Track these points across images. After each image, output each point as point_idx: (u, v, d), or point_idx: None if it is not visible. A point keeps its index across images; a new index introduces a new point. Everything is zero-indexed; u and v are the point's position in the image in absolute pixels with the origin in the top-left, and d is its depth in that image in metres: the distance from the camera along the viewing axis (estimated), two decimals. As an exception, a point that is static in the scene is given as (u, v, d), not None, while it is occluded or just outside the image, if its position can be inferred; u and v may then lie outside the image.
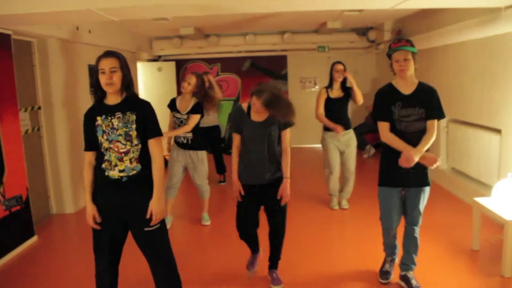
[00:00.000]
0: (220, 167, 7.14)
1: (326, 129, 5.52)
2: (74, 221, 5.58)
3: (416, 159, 3.16)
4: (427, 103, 3.26)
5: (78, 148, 5.89)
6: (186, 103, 4.93)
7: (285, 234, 3.66)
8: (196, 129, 4.91)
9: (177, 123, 4.97)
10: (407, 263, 3.51)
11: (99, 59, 2.70)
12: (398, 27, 7.95)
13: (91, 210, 2.82)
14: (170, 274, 3.02)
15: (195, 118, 4.86)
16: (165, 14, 3.94)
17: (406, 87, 3.30)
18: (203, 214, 5.28)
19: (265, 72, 10.26)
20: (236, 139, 3.55)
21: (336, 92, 5.49)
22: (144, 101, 2.90)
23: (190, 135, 4.89)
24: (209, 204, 5.30)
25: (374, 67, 10.06)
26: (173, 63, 9.67)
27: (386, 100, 3.34)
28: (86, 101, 6.25)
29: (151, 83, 9.45)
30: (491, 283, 3.61)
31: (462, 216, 5.07)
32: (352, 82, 5.40)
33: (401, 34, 7.78)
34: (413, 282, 3.42)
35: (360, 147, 7.83)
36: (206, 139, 5.97)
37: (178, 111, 4.94)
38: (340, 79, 5.46)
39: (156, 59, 9.68)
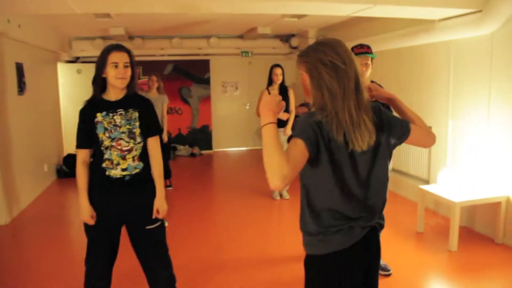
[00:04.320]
0: (166, 172, 6.99)
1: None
2: (9, 233, 5.08)
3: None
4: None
5: (8, 152, 5.46)
6: None
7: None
8: None
9: None
10: None
11: (108, 51, 2.55)
12: (321, 34, 8.42)
13: (89, 210, 2.66)
14: (166, 273, 2.96)
15: None
16: (144, 10, 3.79)
17: None
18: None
19: (188, 75, 10.18)
20: None
21: (275, 92, 5.79)
22: (146, 98, 2.82)
23: None
24: None
25: (294, 73, 10.47)
26: (93, 65, 9.12)
27: None
28: (15, 102, 5.78)
29: (70, 86, 8.87)
30: (441, 257, 4.15)
31: (404, 207, 5.58)
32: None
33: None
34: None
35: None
36: None
37: None
38: (279, 81, 5.80)
39: (74, 60, 9.13)
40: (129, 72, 2.58)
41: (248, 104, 10.73)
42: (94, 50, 8.62)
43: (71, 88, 8.89)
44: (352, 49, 3.52)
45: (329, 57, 1.65)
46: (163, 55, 9.38)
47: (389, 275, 3.70)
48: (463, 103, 4.90)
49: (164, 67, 9.90)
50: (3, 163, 5.30)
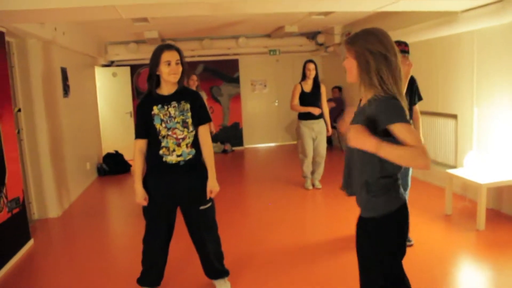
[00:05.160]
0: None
1: (301, 117, 6.04)
2: (61, 224, 5.49)
3: None
4: (411, 91, 3.87)
5: (60, 150, 5.89)
6: None
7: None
8: None
9: None
10: None
11: (161, 50, 2.86)
12: (347, 30, 8.63)
13: (142, 193, 3.00)
14: (218, 249, 3.28)
15: None
16: (184, 12, 4.12)
17: None
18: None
19: (218, 75, 10.54)
20: None
21: (309, 87, 6.04)
22: (195, 91, 3.15)
23: None
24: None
25: (320, 69, 10.69)
26: (127, 68, 9.64)
27: None
28: (62, 104, 6.21)
29: (106, 89, 9.35)
30: (469, 236, 4.37)
31: (433, 192, 5.77)
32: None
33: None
34: None
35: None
36: None
37: None
38: (312, 76, 6.03)
39: (109, 64, 9.59)
40: (180, 68, 2.91)
41: (276, 101, 11.02)
42: (128, 53, 9.07)
43: (107, 90, 9.38)
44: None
45: (376, 47, 1.89)
46: (193, 56, 9.73)
47: (410, 245, 4.00)
48: (488, 90, 5.06)
49: (195, 68, 10.26)
50: (55, 160, 5.73)
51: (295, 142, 10.54)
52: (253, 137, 11.02)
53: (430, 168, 1.80)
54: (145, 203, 3.02)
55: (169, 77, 2.88)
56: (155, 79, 2.94)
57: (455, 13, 5.20)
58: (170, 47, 2.88)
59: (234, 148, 10.66)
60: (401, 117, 1.83)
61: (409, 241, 4.02)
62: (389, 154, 1.80)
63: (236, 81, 10.69)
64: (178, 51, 2.91)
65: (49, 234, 5.22)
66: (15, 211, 4.44)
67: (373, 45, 1.90)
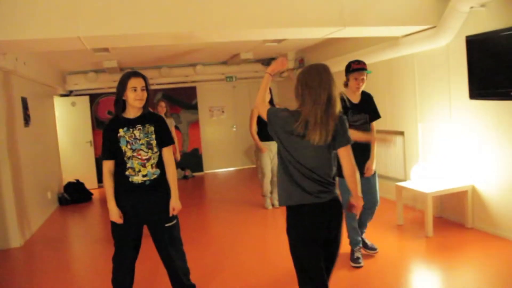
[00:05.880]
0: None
1: (260, 139, 6.31)
2: (23, 255, 5.45)
3: (374, 166, 4.15)
4: (370, 108, 4.17)
5: (20, 180, 5.90)
6: None
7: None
8: None
9: None
10: (361, 229, 4.35)
11: (128, 77, 3.08)
12: (300, 56, 9.09)
13: (117, 212, 3.15)
14: (183, 264, 3.44)
15: None
16: (146, 42, 4.35)
17: (355, 97, 4.15)
18: None
19: (176, 102, 10.74)
20: None
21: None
22: (158, 114, 3.36)
23: None
24: None
25: (275, 93, 11.11)
26: (86, 98, 9.69)
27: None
28: (23, 134, 6.24)
29: (66, 118, 9.37)
30: (419, 242, 4.74)
31: (385, 206, 6.09)
32: None
33: (303, 63, 8.93)
34: (367, 241, 4.42)
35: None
36: None
37: None
38: (268, 99, 6.33)
39: (68, 94, 9.63)
40: (145, 94, 3.12)
41: (234, 126, 11.31)
42: (86, 83, 9.17)
43: (66, 120, 9.40)
44: (350, 64, 4.06)
45: (309, 79, 2.44)
46: (152, 84, 9.87)
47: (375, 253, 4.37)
48: (429, 107, 5.54)
49: (154, 95, 10.42)
50: (16, 190, 5.72)
51: (253, 166, 10.83)
52: (212, 162, 11.22)
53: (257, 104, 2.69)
54: (121, 221, 3.15)
55: (135, 102, 3.08)
56: (121, 104, 3.13)
57: (396, 38, 5.70)
58: (136, 74, 3.10)
59: (195, 174, 10.81)
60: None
61: (374, 249, 4.37)
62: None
63: (194, 107, 10.93)
64: (144, 78, 3.14)
65: (12, 264, 5.18)
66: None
67: (307, 77, 2.49)
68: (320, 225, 2.46)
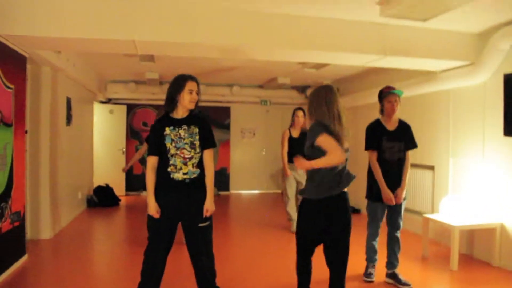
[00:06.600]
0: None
1: (289, 160, 6.37)
2: (52, 246, 5.65)
3: (403, 195, 4.17)
4: (406, 137, 4.25)
5: (56, 175, 6.13)
6: None
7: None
8: None
9: None
10: (393, 262, 4.31)
11: (186, 79, 3.28)
12: (335, 86, 9.22)
13: (155, 206, 3.29)
14: (212, 265, 3.52)
15: None
16: (195, 53, 4.57)
17: (391, 125, 4.25)
18: None
19: (210, 121, 10.94)
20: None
21: (297, 133, 6.50)
22: (204, 117, 3.50)
23: None
24: None
25: (308, 120, 11.23)
26: (124, 107, 10.04)
27: (375, 133, 4.25)
28: (64, 132, 6.52)
29: (102, 124, 9.70)
30: (443, 276, 4.70)
31: (412, 239, 6.08)
32: None
33: (339, 92, 9.06)
34: (401, 277, 4.24)
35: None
36: None
37: None
38: (300, 123, 6.47)
39: (107, 101, 9.99)
40: (197, 97, 3.31)
41: (264, 150, 11.46)
42: (126, 92, 9.50)
43: (102, 126, 9.73)
44: (382, 90, 4.27)
45: (321, 97, 3.19)
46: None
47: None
48: (462, 143, 5.56)
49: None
50: (51, 185, 5.97)
51: (279, 191, 10.88)
52: (239, 183, 11.35)
53: (343, 160, 3.00)
54: (157, 216, 3.29)
55: (190, 104, 3.28)
56: (175, 103, 3.31)
57: (434, 73, 5.80)
58: (193, 78, 3.31)
59: (221, 193, 10.93)
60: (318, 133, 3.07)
61: (408, 284, 4.21)
62: (318, 164, 3.03)
63: (227, 127, 11.16)
64: (198, 83, 3.34)
65: (42, 253, 5.36)
66: (16, 224, 4.65)
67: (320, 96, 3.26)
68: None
